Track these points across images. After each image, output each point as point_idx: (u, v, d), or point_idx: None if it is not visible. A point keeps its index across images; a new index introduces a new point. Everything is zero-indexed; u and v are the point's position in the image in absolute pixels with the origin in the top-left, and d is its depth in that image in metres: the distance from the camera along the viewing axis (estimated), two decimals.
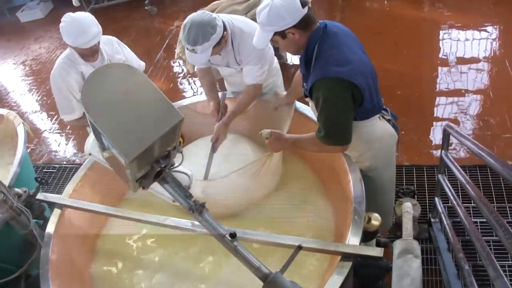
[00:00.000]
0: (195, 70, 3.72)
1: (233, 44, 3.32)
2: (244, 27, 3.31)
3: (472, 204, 3.83)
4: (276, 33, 2.63)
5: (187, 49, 3.14)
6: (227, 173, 3.35)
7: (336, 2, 7.70)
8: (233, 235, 2.19)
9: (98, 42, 3.51)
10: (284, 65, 6.26)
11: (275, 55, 5.33)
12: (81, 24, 3.35)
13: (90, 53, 3.52)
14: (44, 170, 5.89)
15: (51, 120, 6.94)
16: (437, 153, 4.60)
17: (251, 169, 3.32)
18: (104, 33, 3.57)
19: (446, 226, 3.35)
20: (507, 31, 6.12)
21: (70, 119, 3.76)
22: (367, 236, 2.72)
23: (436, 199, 3.71)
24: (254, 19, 5.15)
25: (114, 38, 3.90)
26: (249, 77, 3.47)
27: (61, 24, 3.39)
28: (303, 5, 2.54)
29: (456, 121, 4.88)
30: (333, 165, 3.22)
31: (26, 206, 3.14)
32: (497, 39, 5.94)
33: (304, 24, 2.59)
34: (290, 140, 3.02)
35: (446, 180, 3.45)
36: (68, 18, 3.38)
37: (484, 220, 3.60)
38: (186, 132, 3.66)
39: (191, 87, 6.76)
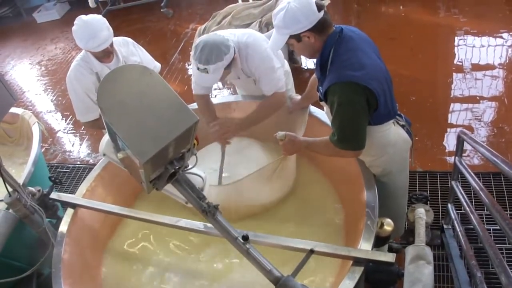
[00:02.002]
0: (193, 94, 3.68)
1: (241, 59, 3.33)
2: (249, 40, 3.30)
3: (485, 211, 3.81)
4: (291, 36, 2.64)
5: (198, 69, 3.14)
6: (240, 178, 3.36)
7: (351, 6, 7.69)
8: (245, 238, 2.20)
9: (111, 44, 3.53)
10: (298, 69, 6.26)
11: (290, 59, 5.34)
12: (92, 28, 3.37)
13: (103, 55, 3.55)
14: (58, 170, 5.93)
15: (65, 120, 6.98)
16: (450, 159, 4.58)
17: (265, 173, 3.32)
18: (120, 35, 3.60)
19: (459, 233, 3.33)
20: None
21: (86, 120, 3.78)
22: (379, 241, 2.71)
23: (449, 205, 3.69)
24: (269, 22, 5.21)
25: (130, 40, 3.91)
26: (266, 87, 3.45)
27: (73, 28, 3.42)
28: (319, 8, 2.55)
29: (470, 128, 4.85)
30: (347, 170, 3.22)
31: (40, 205, 3.17)
32: None
33: (319, 27, 2.59)
34: (304, 143, 3.01)
35: (460, 187, 3.43)
36: (80, 21, 3.40)
37: (497, 227, 3.59)
38: (200, 135, 3.67)
39: None
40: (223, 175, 3.54)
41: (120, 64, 3.69)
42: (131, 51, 3.85)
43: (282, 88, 3.47)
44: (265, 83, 3.43)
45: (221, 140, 3.54)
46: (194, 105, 3.93)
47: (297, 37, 2.64)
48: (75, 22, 3.42)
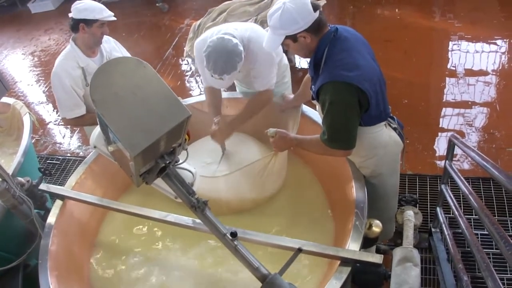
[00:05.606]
0: (203, 86, 3.71)
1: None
2: (252, 35, 3.29)
3: (474, 216, 3.83)
4: (287, 37, 2.63)
5: (213, 76, 3.14)
6: (231, 171, 3.36)
7: (347, 8, 7.70)
8: (234, 235, 2.19)
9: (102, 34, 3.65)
10: (292, 69, 6.23)
11: None
12: (98, 3, 3.55)
13: (99, 38, 3.64)
14: (48, 161, 5.91)
15: (56, 112, 6.93)
16: (440, 163, 4.60)
17: (256, 168, 3.32)
18: (115, 28, 3.64)
19: (447, 236, 3.34)
20: None
21: (72, 116, 3.76)
22: (367, 243, 2.72)
23: (438, 209, 3.71)
24: (264, 20, 5.21)
25: (111, 38, 4.02)
26: (258, 83, 3.47)
27: (79, 6, 3.48)
28: (315, 9, 2.54)
29: (461, 133, 4.87)
30: (336, 170, 3.23)
31: (29, 196, 3.16)
32: (506, 53, 5.93)
33: (315, 28, 2.59)
34: (295, 140, 3.01)
35: (449, 191, 3.45)
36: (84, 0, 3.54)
37: (485, 232, 3.61)
38: (191, 130, 3.66)
39: (199, 86, 6.76)
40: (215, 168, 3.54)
41: (104, 59, 3.80)
42: (113, 47, 3.97)
43: (272, 86, 3.50)
44: (260, 79, 3.44)
45: (218, 142, 3.55)
46: (187, 100, 3.93)
47: (293, 38, 2.63)
48: (77, 2, 3.53)
